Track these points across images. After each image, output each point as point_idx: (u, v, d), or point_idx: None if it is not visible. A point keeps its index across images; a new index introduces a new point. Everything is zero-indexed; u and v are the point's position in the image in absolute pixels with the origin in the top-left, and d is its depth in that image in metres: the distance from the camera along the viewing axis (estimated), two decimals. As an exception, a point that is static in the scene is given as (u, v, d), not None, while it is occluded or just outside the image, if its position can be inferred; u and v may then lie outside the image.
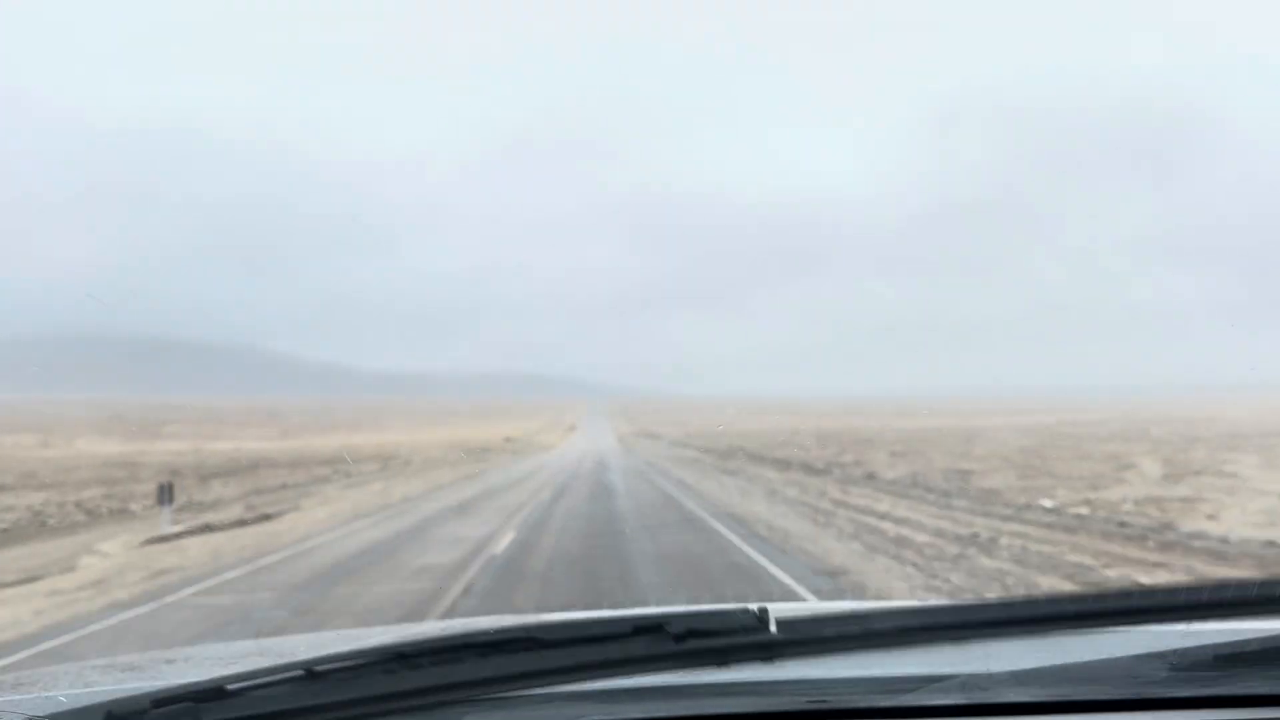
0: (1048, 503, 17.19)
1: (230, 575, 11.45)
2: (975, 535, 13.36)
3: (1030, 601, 1.65)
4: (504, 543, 13.35)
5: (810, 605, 2.74)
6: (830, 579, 9.94)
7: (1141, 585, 6.04)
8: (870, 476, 25.47)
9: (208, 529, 16.73)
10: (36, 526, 19.09)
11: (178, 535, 15.90)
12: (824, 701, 1.30)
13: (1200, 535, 12.82)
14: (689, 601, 7.20)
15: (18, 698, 1.35)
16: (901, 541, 12.90)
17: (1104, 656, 1.37)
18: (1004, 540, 12.78)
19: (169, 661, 1.86)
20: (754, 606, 1.29)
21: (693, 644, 1.26)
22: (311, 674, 1.22)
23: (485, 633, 1.29)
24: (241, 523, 18.19)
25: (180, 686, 1.21)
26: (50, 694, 1.38)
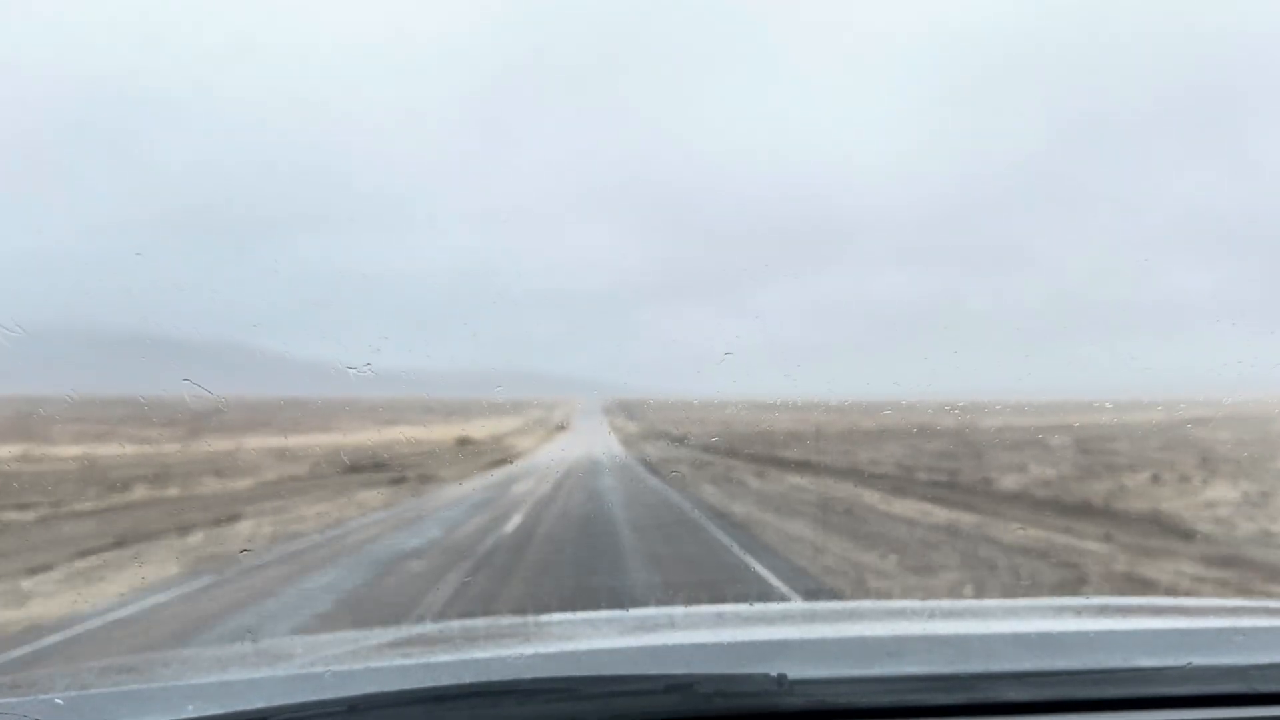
0: None
1: None
2: None
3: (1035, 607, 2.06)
4: None
5: (827, 640, 1.74)
6: None
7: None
8: None
9: None
10: None
11: None
12: (828, 702, 1.39)
13: None
14: None
15: (14, 700, 1.38)
16: None
17: (1103, 656, 1.48)
18: None
19: (165, 664, 1.93)
20: (774, 672, 1.39)
21: (719, 704, 1.38)
22: (353, 709, 1.31)
23: (524, 681, 1.38)
24: None
25: (223, 714, 1.29)
26: (47, 696, 1.41)
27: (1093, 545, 13.23)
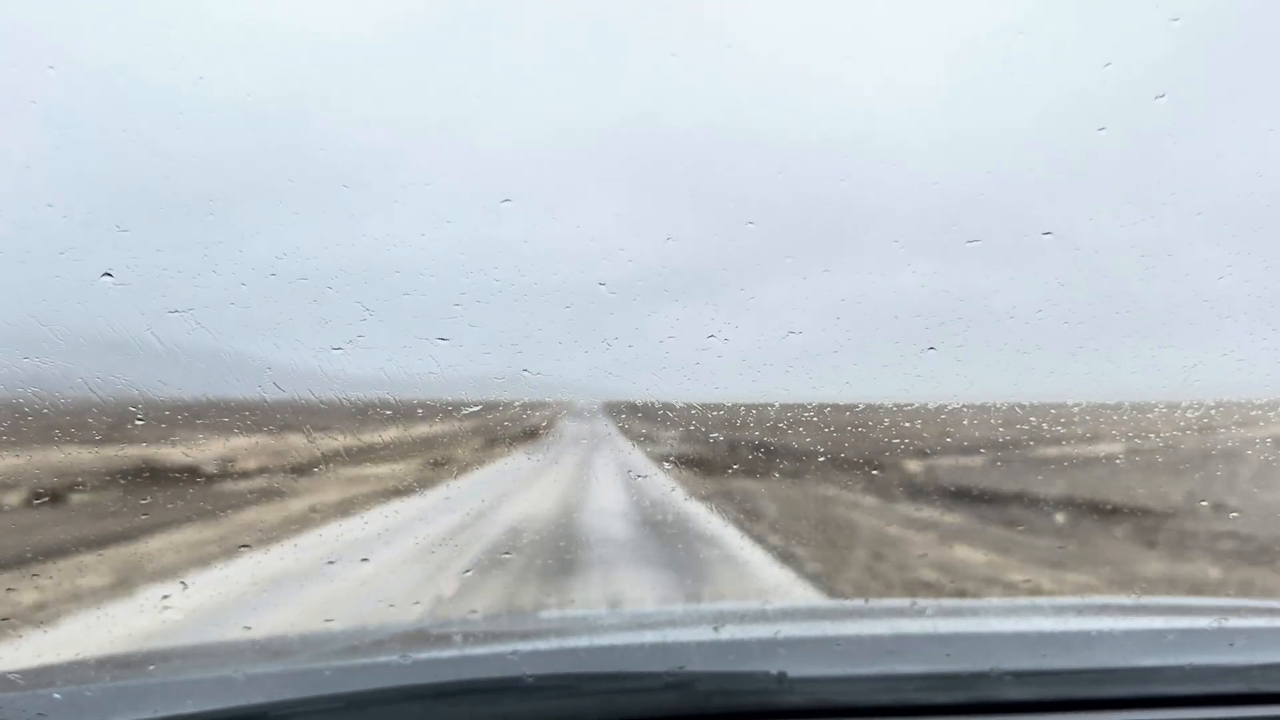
0: None
1: None
2: None
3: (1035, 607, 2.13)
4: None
5: (827, 638, 1.80)
6: None
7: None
8: None
9: None
10: None
11: None
12: (829, 701, 1.43)
13: None
14: None
15: (13, 695, 1.41)
16: None
17: (1104, 655, 1.53)
18: None
19: (164, 659, 1.91)
20: (775, 670, 1.42)
21: (718, 702, 1.42)
22: (353, 706, 1.34)
23: (524, 677, 1.40)
24: None
25: (222, 710, 1.32)
26: (45, 691, 1.44)
27: None
